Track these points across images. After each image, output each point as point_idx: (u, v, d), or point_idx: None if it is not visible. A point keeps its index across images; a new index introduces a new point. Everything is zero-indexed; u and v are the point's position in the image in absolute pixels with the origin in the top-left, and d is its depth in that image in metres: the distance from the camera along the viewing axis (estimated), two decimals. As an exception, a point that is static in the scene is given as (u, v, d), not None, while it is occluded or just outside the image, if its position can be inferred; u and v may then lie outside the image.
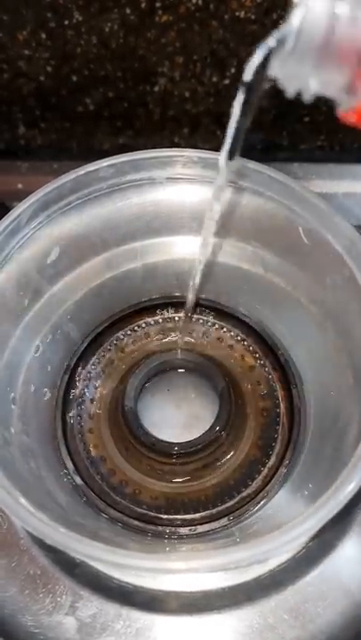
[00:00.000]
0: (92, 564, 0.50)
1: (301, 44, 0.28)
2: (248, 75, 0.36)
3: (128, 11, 0.79)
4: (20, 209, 0.52)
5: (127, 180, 0.56)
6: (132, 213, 0.59)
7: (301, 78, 0.29)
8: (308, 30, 0.27)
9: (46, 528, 0.41)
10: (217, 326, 0.63)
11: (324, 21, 0.27)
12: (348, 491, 0.41)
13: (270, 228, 0.58)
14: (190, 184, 0.58)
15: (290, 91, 0.30)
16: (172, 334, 0.64)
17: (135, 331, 0.63)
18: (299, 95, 0.30)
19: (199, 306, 0.63)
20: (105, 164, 0.54)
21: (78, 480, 0.55)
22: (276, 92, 0.84)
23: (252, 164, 0.54)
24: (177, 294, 0.63)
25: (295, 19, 0.29)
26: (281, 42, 0.31)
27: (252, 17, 0.80)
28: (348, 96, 0.29)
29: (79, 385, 0.60)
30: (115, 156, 0.54)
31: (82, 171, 0.54)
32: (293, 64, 0.29)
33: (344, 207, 0.85)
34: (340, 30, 0.27)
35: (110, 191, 0.57)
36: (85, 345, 0.61)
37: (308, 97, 0.30)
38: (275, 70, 0.31)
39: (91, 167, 0.54)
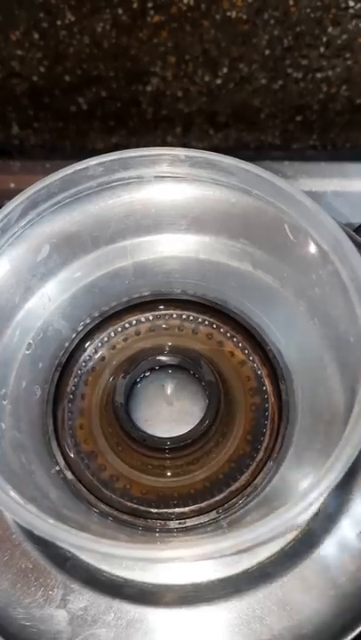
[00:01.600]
0: (83, 557, 0.51)
1: None
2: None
3: (120, 11, 0.80)
4: (9, 207, 0.52)
5: (116, 178, 0.56)
6: (122, 211, 0.60)
7: None
8: None
9: (35, 519, 0.42)
10: (206, 323, 0.64)
11: None
12: (331, 479, 0.42)
13: (259, 226, 0.58)
14: (178, 182, 0.58)
15: None
16: (163, 331, 0.64)
17: (126, 328, 0.64)
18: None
19: (189, 303, 0.64)
20: (94, 162, 0.54)
21: (69, 475, 0.56)
22: (268, 90, 0.85)
23: (241, 163, 0.54)
24: (167, 291, 0.64)
25: None
26: None
27: (244, 17, 0.80)
28: None
29: (70, 381, 0.61)
30: (103, 155, 0.54)
31: (71, 169, 0.54)
32: None
33: (333, 206, 0.86)
34: None
35: (100, 189, 0.57)
36: (76, 342, 0.61)
37: None
38: None
39: (80, 165, 0.54)
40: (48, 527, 0.41)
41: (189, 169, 0.56)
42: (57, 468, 0.55)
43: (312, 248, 0.53)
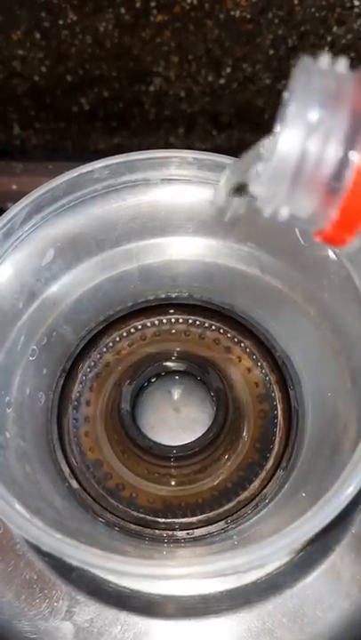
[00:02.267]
0: (89, 568, 0.50)
1: (276, 171, 0.30)
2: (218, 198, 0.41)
3: (123, 10, 0.79)
4: (13, 211, 0.51)
5: (122, 181, 0.56)
6: (128, 214, 0.59)
7: (276, 202, 0.32)
8: (282, 159, 0.30)
9: (42, 534, 0.41)
10: (214, 328, 0.63)
11: (296, 153, 0.30)
12: (347, 493, 0.41)
13: (267, 230, 0.57)
14: (185, 185, 0.57)
15: (266, 212, 0.32)
16: (169, 336, 0.63)
17: (131, 333, 0.63)
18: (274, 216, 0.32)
19: (195, 307, 0.63)
20: (99, 165, 0.54)
21: (74, 484, 0.55)
22: (272, 90, 0.84)
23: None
24: (173, 295, 0.63)
25: (270, 147, 0.31)
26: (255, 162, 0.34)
27: (248, 16, 0.79)
28: (316, 221, 0.32)
29: (75, 388, 0.60)
30: (109, 157, 0.54)
31: (76, 172, 0.53)
32: (268, 188, 0.31)
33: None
34: (310, 162, 0.30)
35: (105, 192, 0.56)
36: (81, 347, 0.61)
37: (282, 219, 0.32)
38: (253, 188, 0.33)
39: (85, 168, 0.53)
40: (55, 542, 0.40)
41: (197, 171, 0.55)
42: (62, 476, 0.55)
43: (324, 252, 0.52)
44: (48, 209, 0.54)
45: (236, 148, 0.94)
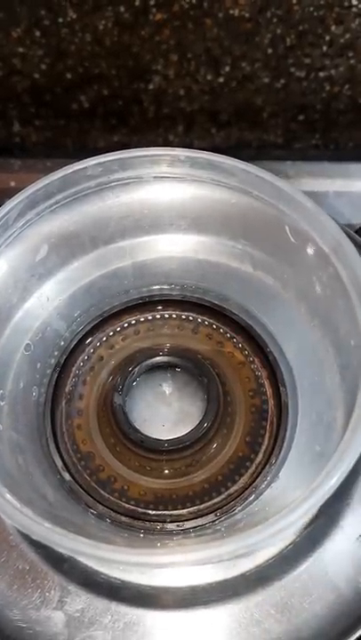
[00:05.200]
0: (80, 559, 0.51)
1: None
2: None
3: (122, 9, 0.79)
4: (7, 207, 0.52)
5: (115, 178, 0.56)
6: (121, 212, 0.59)
7: None
8: None
9: (31, 523, 0.41)
10: (206, 323, 0.63)
11: None
12: (331, 484, 0.42)
13: (259, 227, 0.58)
14: (178, 182, 0.58)
15: None
16: (162, 331, 0.64)
17: (125, 328, 0.64)
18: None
19: (188, 303, 0.64)
20: (93, 162, 0.54)
21: (67, 476, 0.55)
22: (270, 89, 0.85)
23: (241, 164, 0.54)
24: (166, 292, 0.64)
25: None
26: None
27: (247, 15, 0.80)
28: None
29: (68, 382, 0.60)
30: (102, 155, 0.54)
31: (70, 169, 0.54)
32: None
33: (335, 205, 0.85)
34: None
35: (99, 189, 0.57)
36: (75, 342, 0.61)
37: None
38: None
39: (79, 165, 0.54)
40: (44, 531, 0.41)
41: (189, 169, 0.55)
42: (54, 468, 0.55)
43: (313, 250, 0.52)
44: (42, 205, 0.54)
45: (234, 147, 0.94)
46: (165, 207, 0.60)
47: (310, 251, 0.52)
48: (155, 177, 0.57)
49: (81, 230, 0.59)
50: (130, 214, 0.60)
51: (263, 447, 0.57)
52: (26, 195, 0.53)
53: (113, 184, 0.57)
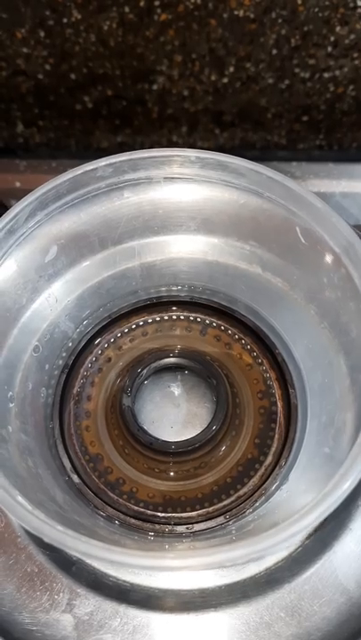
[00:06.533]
0: (89, 561, 0.50)
1: None
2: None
3: (127, 9, 0.79)
4: (18, 207, 0.52)
5: (125, 179, 0.56)
6: (131, 212, 0.59)
7: None
8: None
9: (44, 526, 0.41)
10: (215, 325, 0.63)
11: None
12: (344, 488, 0.41)
13: (268, 228, 0.58)
14: (187, 183, 0.58)
15: None
16: (170, 332, 0.64)
17: (133, 329, 0.63)
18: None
19: (197, 304, 0.63)
20: (103, 163, 0.54)
21: (75, 478, 0.55)
22: (274, 90, 0.85)
23: (251, 164, 0.54)
24: (175, 293, 0.63)
25: None
26: None
27: (251, 16, 0.80)
28: None
29: (77, 383, 0.60)
30: (113, 156, 0.54)
31: (80, 170, 0.53)
32: None
33: (341, 206, 0.85)
34: None
35: (108, 190, 0.57)
36: (83, 343, 0.61)
37: None
38: None
39: (89, 166, 0.54)
40: (56, 534, 0.41)
41: (200, 170, 0.55)
42: (63, 470, 0.55)
43: (324, 251, 0.52)
44: (52, 206, 0.54)
45: (238, 147, 0.94)
46: (175, 208, 0.60)
47: (321, 252, 0.52)
48: (165, 178, 0.57)
49: (90, 231, 0.59)
50: (139, 215, 0.60)
51: (272, 449, 0.57)
52: (36, 196, 0.52)
53: (123, 185, 0.56)
